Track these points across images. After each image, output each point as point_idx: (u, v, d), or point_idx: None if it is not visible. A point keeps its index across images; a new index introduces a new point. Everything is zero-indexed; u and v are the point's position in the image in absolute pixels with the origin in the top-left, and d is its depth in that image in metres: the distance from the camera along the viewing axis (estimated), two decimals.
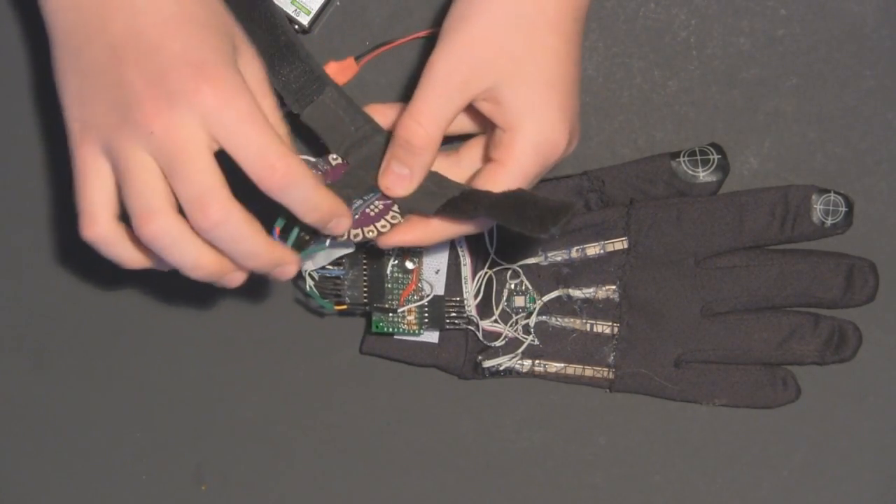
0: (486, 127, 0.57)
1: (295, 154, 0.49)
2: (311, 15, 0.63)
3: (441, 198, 0.54)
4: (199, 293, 0.68)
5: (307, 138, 0.59)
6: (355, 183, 0.55)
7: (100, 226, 0.50)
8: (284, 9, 0.63)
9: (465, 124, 0.58)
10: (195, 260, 0.50)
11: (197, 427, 0.69)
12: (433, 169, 0.56)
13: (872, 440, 0.67)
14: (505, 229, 0.64)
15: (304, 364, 0.68)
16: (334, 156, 0.56)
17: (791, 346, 0.65)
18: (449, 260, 0.64)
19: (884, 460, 0.67)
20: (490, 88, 0.52)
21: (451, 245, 0.64)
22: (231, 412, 0.69)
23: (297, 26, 0.63)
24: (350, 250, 0.59)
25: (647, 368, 0.65)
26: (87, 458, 0.69)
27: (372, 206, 0.55)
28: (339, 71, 0.63)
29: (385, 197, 0.55)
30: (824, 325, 0.65)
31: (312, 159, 0.56)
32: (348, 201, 0.54)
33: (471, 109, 0.55)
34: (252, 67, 0.52)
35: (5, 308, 0.69)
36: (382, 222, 0.55)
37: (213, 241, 0.49)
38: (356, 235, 0.55)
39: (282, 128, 0.52)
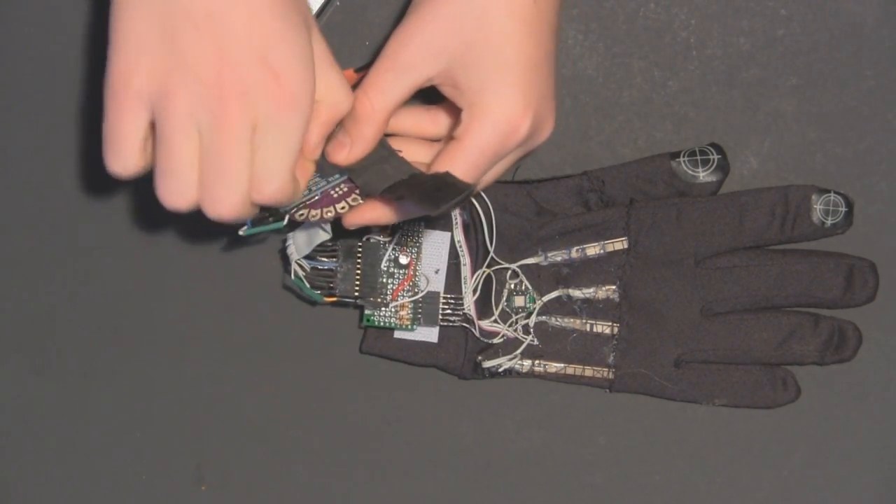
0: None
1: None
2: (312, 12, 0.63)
3: (391, 180, 0.54)
4: (200, 293, 0.68)
5: None
6: (325, 166, 0.56)
7: (129, 160, 0.52)
8: None
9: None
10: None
11: (197, 427, 0.69)
12: (415, 155, 0.57)
13: (872, 440, 0.67)
14: (503, 229, 0.64)
15: (304, 364, 0.68)
16: None
17: (791, 346, 0.65)
18: (449, 259, 0.65)
19: (884, 460, 0.67)
20: (445, 71, 0.53)
21: (451, 244, 0.64)
22: (231, 412, 0.69)
23: None
24: (327, 235, 0.59)
25: (647, 368, 0.65)
26: (87, 458, 0.69)
27: (336, 189, 0.55)
28: None
29: (350, 180, 0.55)
30: (824, 325, 0.65)
31: None
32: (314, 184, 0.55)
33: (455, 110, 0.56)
34: (320, 39, 0.52)
35: (5, 308, 0.69)
36: (342, 204, 0.55)
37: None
38: (315, 215, 0.55)
39: (348, 93, 0.54)
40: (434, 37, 0.53)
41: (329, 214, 0.55)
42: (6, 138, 0.67)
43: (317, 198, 0.55)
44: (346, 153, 0.55)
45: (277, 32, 0.49)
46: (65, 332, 0.69)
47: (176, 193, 0.51)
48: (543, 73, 0.55)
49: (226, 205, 0.50)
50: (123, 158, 0.51)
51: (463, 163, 0.54)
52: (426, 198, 0.51)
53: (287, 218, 0.55)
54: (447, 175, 0.52)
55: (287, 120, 0.50)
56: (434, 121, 0.59)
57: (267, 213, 0.54)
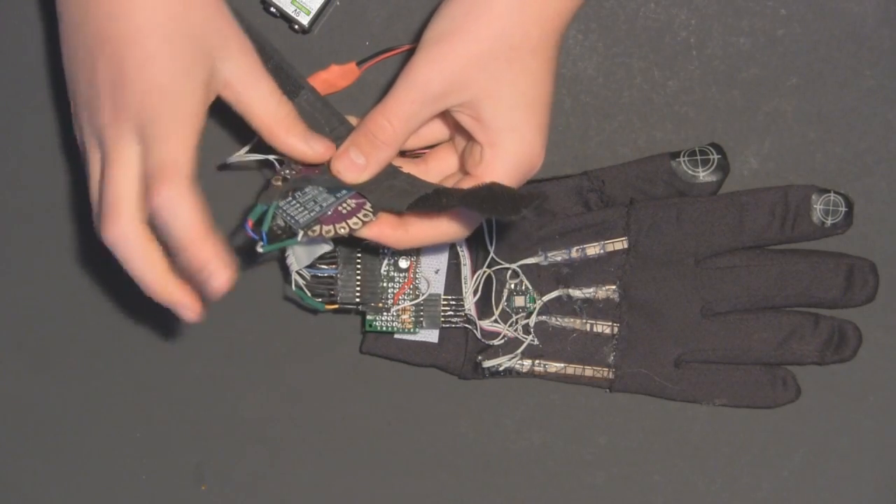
0: (455, 132, 0.58)
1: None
2: (311, 15, 0.63)
3: (413, 195, 0.54)
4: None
5: None
6: (330, 181, 0.56)
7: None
8: (284, 9, 0.63)
9: (437, 134, 0.59)
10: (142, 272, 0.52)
11: (197, 427, 0.69)
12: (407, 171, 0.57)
13: (872, 440, 0.67)
14: (503, 230, 0.64)
15: (304, 364, 0.68)
16: None
17: (791, 346, 0.65)
18: (449, 260, 0.65)
19: (884, 460, 0.67)
20: (468, 103, 0.53)
21: (451, 245, 0.64)
22: (231, 412, 0.69)
23: (297, 26, 0.63)
24: (329, 247, 0.59)
25: (647, 368, 0.65)
26: (88, 458, 0.69)
27: (344, 205, 0.55)
28: (342, 75, 0.63)
29: (358, 196, 0.55)
30: (824, 325, 0.65)
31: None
32: (320, 196, 0.55)
33: (445, 116, 0.56)
34: (241, 60, 0.53)
35: (5, 308, 0.69)
36: (354, 220, 0.55)
37: (113, 253, 0.52)
38: (328, 231, 0.55)
39: (285, 106, 0.54)
40: (464, 71, 0.53)
41: (343, 231, 0.55)
42: (6, 138, 0.67)
43: (329, 213, 0.55)
44: (359, 174, 0.55)
45: (156, 56, 0.50)
46: (65, 332, 0.69)
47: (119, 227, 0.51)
48: (550, 110, 0.56)
49: (113, 225, 0.50)
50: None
51: None
52: (493, 206, 0.51)
53: (301, 234, 0.55)
54: (495, 185, 0.53)
55: (166, 139, 0.50)
56: (416, 134, 0.58)
57: (280, 230, 0.54)
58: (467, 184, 0.55)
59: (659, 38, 0.65)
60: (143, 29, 0.50)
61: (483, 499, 0.69)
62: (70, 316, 0.69)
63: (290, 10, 0.63)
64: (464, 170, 0.57)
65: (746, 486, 0.68)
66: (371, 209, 0.55)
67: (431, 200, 0.54)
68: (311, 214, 0.54)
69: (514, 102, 0.53)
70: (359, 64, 0.63)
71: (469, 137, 0.55)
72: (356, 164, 0.55)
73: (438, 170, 0.58)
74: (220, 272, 0.51)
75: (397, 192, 0.55)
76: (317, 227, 0.55)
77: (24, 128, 0.67)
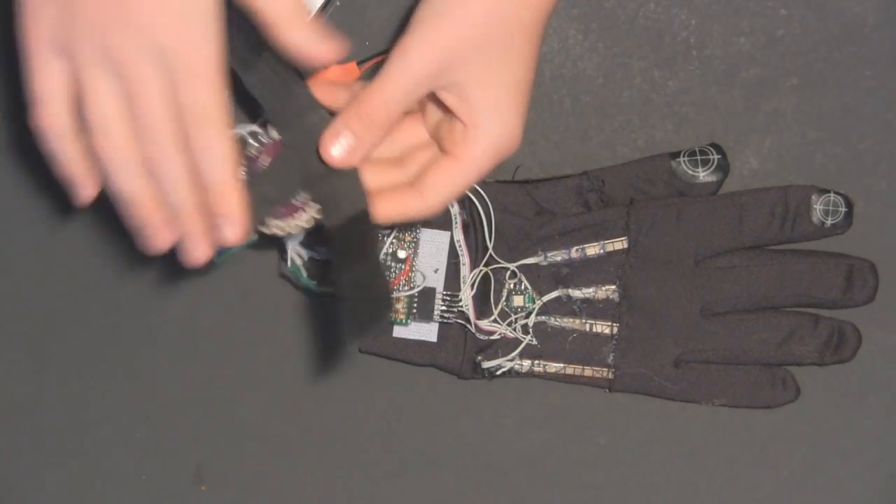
0: (427, 104, 0.58)
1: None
2: (311, 15, 0.63)
3: (347, 214, 0.55)
4: (199, 294, 0.68)
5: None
6: (289, 166, 0.55)
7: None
8: None
9: (412, 138, 0.58)
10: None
11: (197, 427, 0.69)
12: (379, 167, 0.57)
13: (872, 440, 0.67)
14: (502, 229, 0.64)
15: (304, 364, 0.68)
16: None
17: (791, 347, 0.65)
18: (448, 259, 0.65)
19: (884, 460, 0.67)
20: (456, 83, 0.53)
21: (451, 244, 0.64)
22: (231, 412, 0.69)
23: None
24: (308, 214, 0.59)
25: (646, 368, 0.65)
26: (88, 458, 0.69)
27: (298, 197, 0.55)
28: (342, 74, 0.63)
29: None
30: (824, 325, 0.65)
31: (258, 129, 0.56)
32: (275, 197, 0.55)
33: (431, 99, 0.56)
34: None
35: (5, 308, 0.69)
36: (307, 217, 0.55)
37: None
38: (281, 228, 0.55)
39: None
40: (460, 52, 0.52)
41: (293, 224, 0.55)
42: (6, 137, 0.67)
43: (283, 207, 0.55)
44: (351, 156, 0.54)
45: None
46: (65, 332, 0.69)
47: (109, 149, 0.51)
48: (531, 93, 0.55)
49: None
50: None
51: (460, 181, 0.55)
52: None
53: (255, 232, 0.55)
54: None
55: (191, 46, 0.48)
56: (392, 139, 0.58)
57: None
58: (446, 162, 0.55)
59: (659, 38, 0.65)
60: None
61: (483, 499, 0.69)
62: (70, 316, 0.69)
63: None
64: (441, 147, 0.56)
65: (746, 486, 0.68)
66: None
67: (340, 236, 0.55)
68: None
69: (501, 84, 0.53)
70: (359, 64, 0.63)
71: (446, 112, 0.55)
72: (350, 146, 0.54)
73: (408, 142, 0.58)
74: (234, 225, 0.52)
75: (343, 194, 0.55)
76: (268, 221, 0.55)
77: (23, 126, 0.67)
